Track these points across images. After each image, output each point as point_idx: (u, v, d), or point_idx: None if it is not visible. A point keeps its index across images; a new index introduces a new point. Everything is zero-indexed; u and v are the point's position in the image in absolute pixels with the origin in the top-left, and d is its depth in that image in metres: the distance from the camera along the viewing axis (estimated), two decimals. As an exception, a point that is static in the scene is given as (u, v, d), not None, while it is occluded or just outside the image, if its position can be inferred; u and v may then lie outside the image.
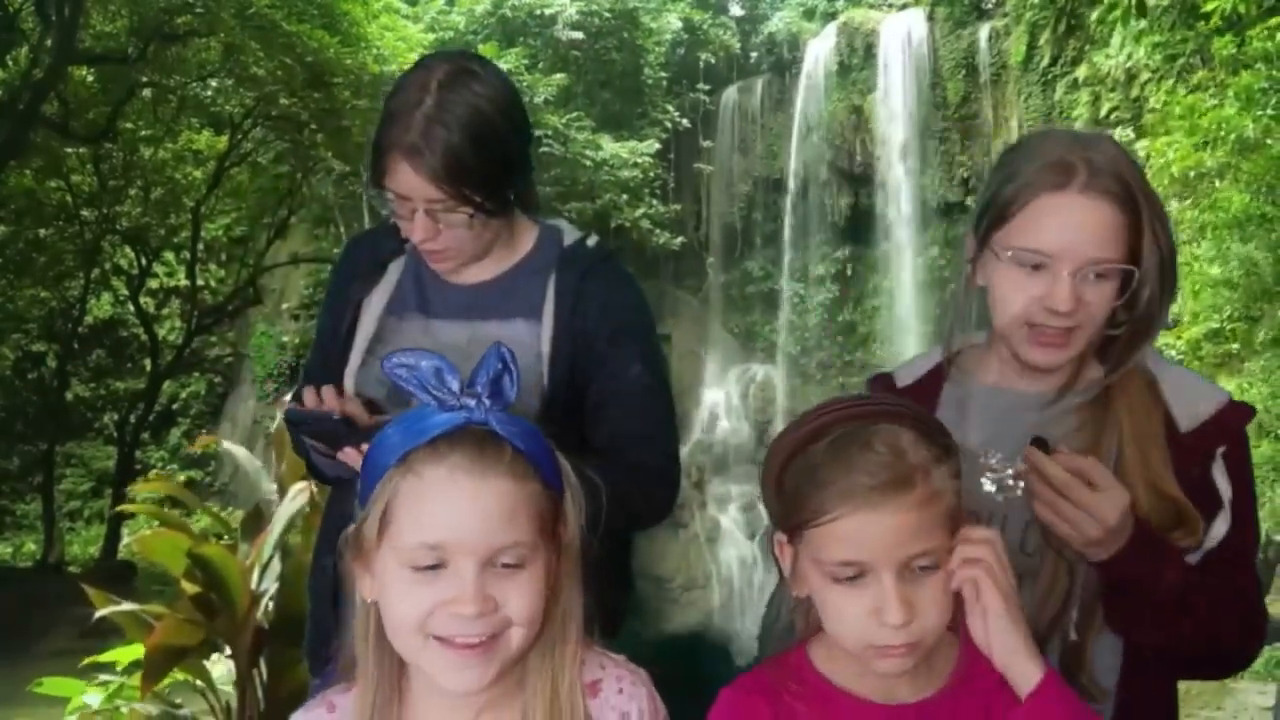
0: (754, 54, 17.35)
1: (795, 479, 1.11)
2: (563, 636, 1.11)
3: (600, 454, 1.60)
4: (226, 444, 5.00)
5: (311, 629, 1.75)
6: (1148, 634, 1.29)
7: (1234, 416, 1.33)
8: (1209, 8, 6.92)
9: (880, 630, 1.07)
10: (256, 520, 3.99)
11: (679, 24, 16.16)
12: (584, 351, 1.65)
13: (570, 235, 1.74)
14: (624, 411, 1.65)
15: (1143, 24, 8.35)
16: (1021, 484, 1.25)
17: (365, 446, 1.48)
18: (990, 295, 1.35)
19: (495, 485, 1.04)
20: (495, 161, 1.57)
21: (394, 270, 1.74)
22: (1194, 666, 1.36)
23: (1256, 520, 1.34)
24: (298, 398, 1.61)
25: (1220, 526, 1.29)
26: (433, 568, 1.03)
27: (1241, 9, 6.78)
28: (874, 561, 1.06)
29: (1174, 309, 9.91)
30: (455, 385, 1.09)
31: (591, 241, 1.74)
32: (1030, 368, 1.35)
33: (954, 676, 1.15)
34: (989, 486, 1.26)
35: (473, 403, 1.08)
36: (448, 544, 1.03)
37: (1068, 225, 1.27)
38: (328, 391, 1.55)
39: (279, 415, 1.69)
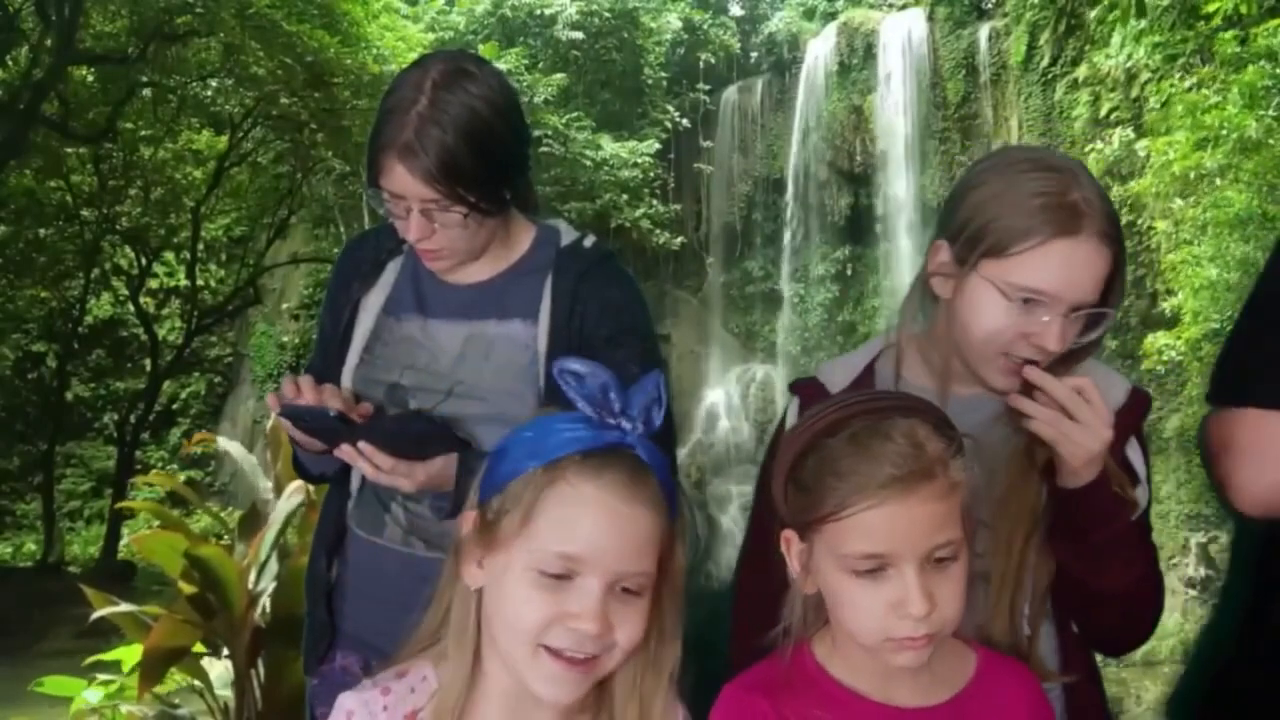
0: (754, 54, 17.36)
1: (813, 473, 1.11)
2: (655, 665, 1.11)
3: None
4: (223, 441, 4.99)
5: (308, 629, 1.74)
6: (1115, 576, 1.33)
7: (1141, 401, 1.40)
8: (1210, 8, 6.92)
9: (901, 622, 1.07)
10: (253, 520, 3.99)
11: (679, 24, 16.17)
12: (581, 352, 1.65)
13: (568, 235, 1.74)
14: None
15: (1143, 24, 8.34)
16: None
17: (363, 444, 1.49)
18: (964, 313, 1.34)
19: (641, 512, 1.06)
20: (490, 162, 1.57)
21: (392, 270, 1.74)
22: (1119, 634, 1.41)
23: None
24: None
25: (1142, 497, 1.35)
26: (559, 577, 1.04)
27: (1243, 9, 6.77)
28: (897, 553, 1.07)
29: (1174, 307, 9.91)
30: (618, 405, 1.10)
31: (589, 242, 1.73)
32: (989, 388, 1.36)
33: (967, 688, 1.15)
34: None
35: (628, 426, 1.09)
36: (585, 559, 1.04)
37: (1074, 270, 1.28)
38: (305, 382, 1.54)
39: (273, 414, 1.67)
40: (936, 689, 1.15)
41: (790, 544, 1.15)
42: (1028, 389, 1.30)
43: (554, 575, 1.04)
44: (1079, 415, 1.24)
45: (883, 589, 1.07)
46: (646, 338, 1.71)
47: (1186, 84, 9.48)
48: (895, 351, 1.47)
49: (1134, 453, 1.37)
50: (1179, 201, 9.30)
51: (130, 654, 3.77)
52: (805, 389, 1.48)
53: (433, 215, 1.56)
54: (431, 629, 1.15)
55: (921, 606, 1.06)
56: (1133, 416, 1.38)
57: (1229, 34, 8.26)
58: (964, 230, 1.33)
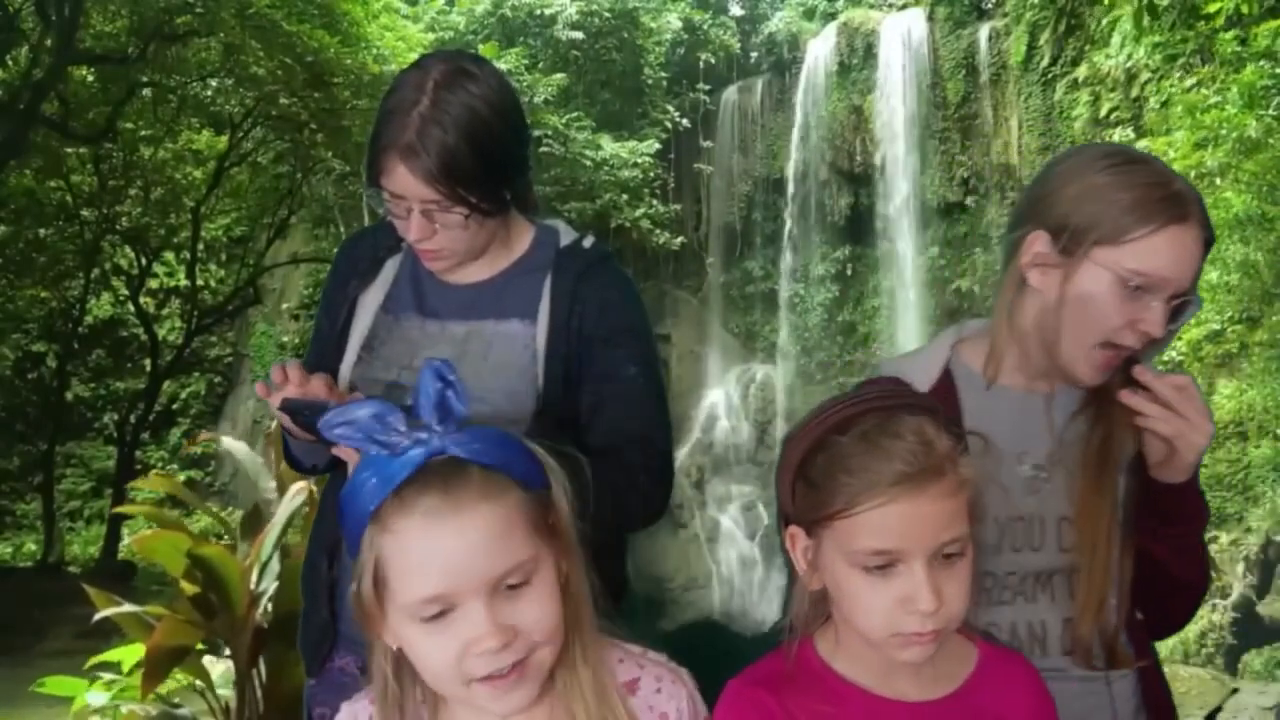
0: (754, 54, 17.36)
1: (823, 470, 1.12)
2: (576, 623, 1.08)
3: (596, 454, 1.59)
4: (226, 440, 4.99)
5: (305, 627, 1.74)
6: (1197, 565, 1.43)
7: None
8: (1212, 9, 6.91)
9: (909, 618, 1.08)
10: (255, 520, 4.00)
11: (679, 24, 16.17)
12: (580, 352, 1.65)
13: (567, 236, 1.74)
14: (620, 412, 1.64)
15: (1145, 24, 8.34)
16: (1045, 488, 1.37)
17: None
18: (1073, 302, 1.35)
19: (472, 517, 1.00)
20: (491, 162, 1.56)
21: (390, 268, 1.74)
22: (1181, 618, 1.51)
23: None
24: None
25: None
26: (442, 614, 1.00)
27: (1244, 9, 6.77)
28: (907, 550, 1.07)
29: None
30: (401, 424, 1.03)
31: (588, 242, 1.73)
32: (1074, 383, 1.39)
33: (969, 681, 1.16)
34: (1030, 495, 1.35)
35: (424, 435, 1.03)
36: (447, 592, 0.99)
37: (1183, 257, 1.32)
38: (294, 370, 1.53)
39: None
40: (939, 683, 1.16)
41: (796, 540, 1.16)
42: (1125, 383, 1.34)
43: (435, 616, 1.00)
44: (1186, 412, 1.29)
45: (892, 585, 1.08)
46: (644, 338, 1.71)
47: (1187, 84, 9.48)
48: (972, 347, 1.48)
49: None
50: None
51: (130, 654, 3.78)
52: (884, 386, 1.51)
53: (433, 216, 1.56)
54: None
55: (931, 602, 1.07)
56: None
57: (1229, 34, 8.26)
58: (1069, 221, 1.34)
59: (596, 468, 1.53)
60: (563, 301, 1.65)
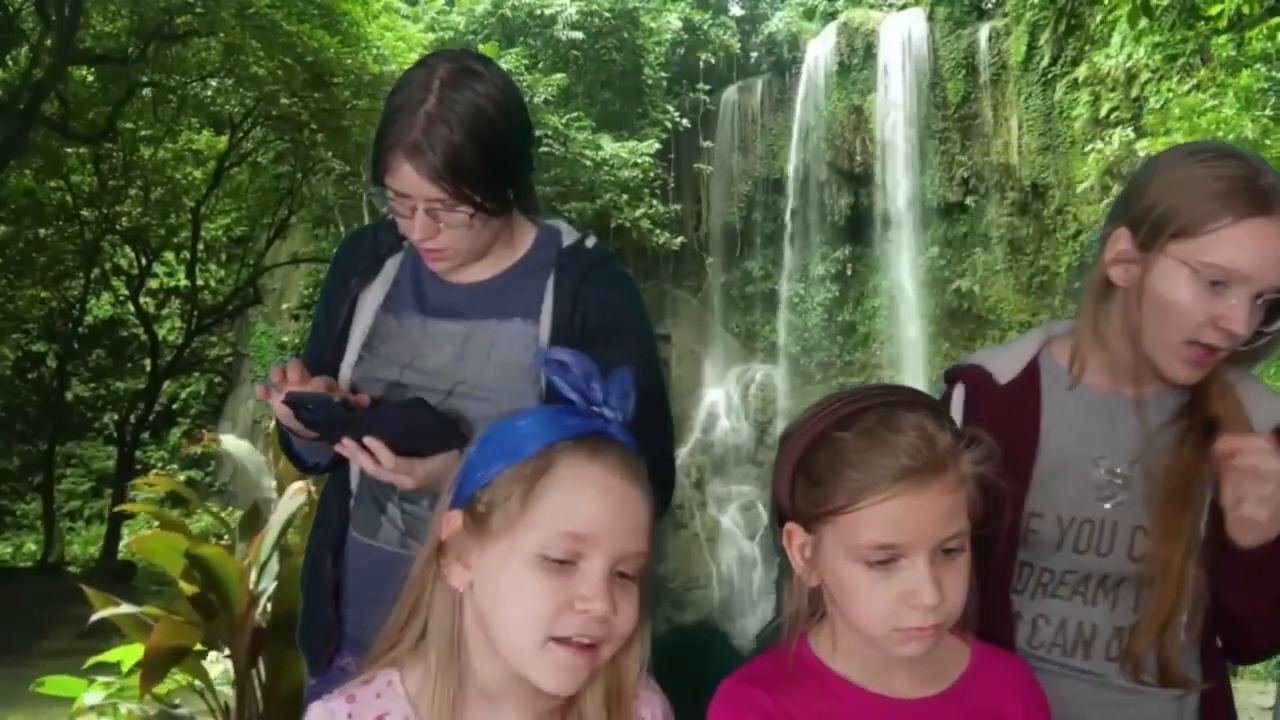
0: (754, 54, 17.36)
1: (825, 466, 1.12)
2: (628, 655, 1.11)
3: None
4: (228, 439, 4.99)
5: (306, 626, 1.73)
6: (1259, 603, 1.34)
7: None
8: (1213, 11, 6.91)
9: (911, 612, 1.08)
10: (254, 520, 3.99)
11: (679, 24, 16.17)
12: (583, 352, 1.65)
13: (569, 236, 1.74)
14: None
15: (1144, 24, 8.33)
16: (1122, 494, 1.33)
17: (370, 440, 1.47)
18: (1150, 298, 1.32)
19: (639, 493, 1.07)
20: (496, 161, 1.56)
21: (391, 267, 1.73)
22: (1259, 648, 1.44)
23: None
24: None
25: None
26: (563, 562, 1.03)
27: (1245, 10, 6.77)
28: (910, 544, 1.08)
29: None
30: (599, 395, 1.11)
31: (590, 242, 1.73)
32: (1168, 382, 1.35)
33: (963, 678, 1.17)
34: (1103, 500, 1.33)
35: (610, 414, 1.11)
36: (591, 537, 1.04)
37: (1265, 250, 1.27)
38: (294, 369, 1.53)
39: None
40: (933, 680, 1.17)
41: (793, 537, 1.16)
42: (1204, 386, 1.32)
43: (558, 560, 1.03)
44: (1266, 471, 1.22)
45: (894, 580, 1.09)
46: (645, 338, 1.72)
47: (1184, 87, 9.48)
48: (1062, 346, 1.46)
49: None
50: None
51: (129, 654, 3.77)
52: (969, 375, 1.47)
53: (438, 215, 1.56)
54: (396, 631, 1.13)
55: (933, 596, 1.07)
56: None
57: (1223, 38, 8.25)
58: (1149, 215, 1.32)
59: None
60: (565, 301, 1.65)
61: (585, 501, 1.05)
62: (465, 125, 1.52)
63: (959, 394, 1.45)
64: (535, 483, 1.05)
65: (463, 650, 1.09)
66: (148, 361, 14.01)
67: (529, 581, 1.03)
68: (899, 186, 15.13)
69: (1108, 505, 1.35)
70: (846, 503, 1.09)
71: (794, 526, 1.16)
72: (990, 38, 14.66)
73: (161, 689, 3.58)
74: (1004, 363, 1.46)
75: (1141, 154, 10.16)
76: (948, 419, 1.15)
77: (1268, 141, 7.89)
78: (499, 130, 1.56)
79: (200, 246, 14.07)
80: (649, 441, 1.65)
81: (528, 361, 1.62)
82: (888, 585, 1.09)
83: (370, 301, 1.71)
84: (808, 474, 1.14)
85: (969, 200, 14.73)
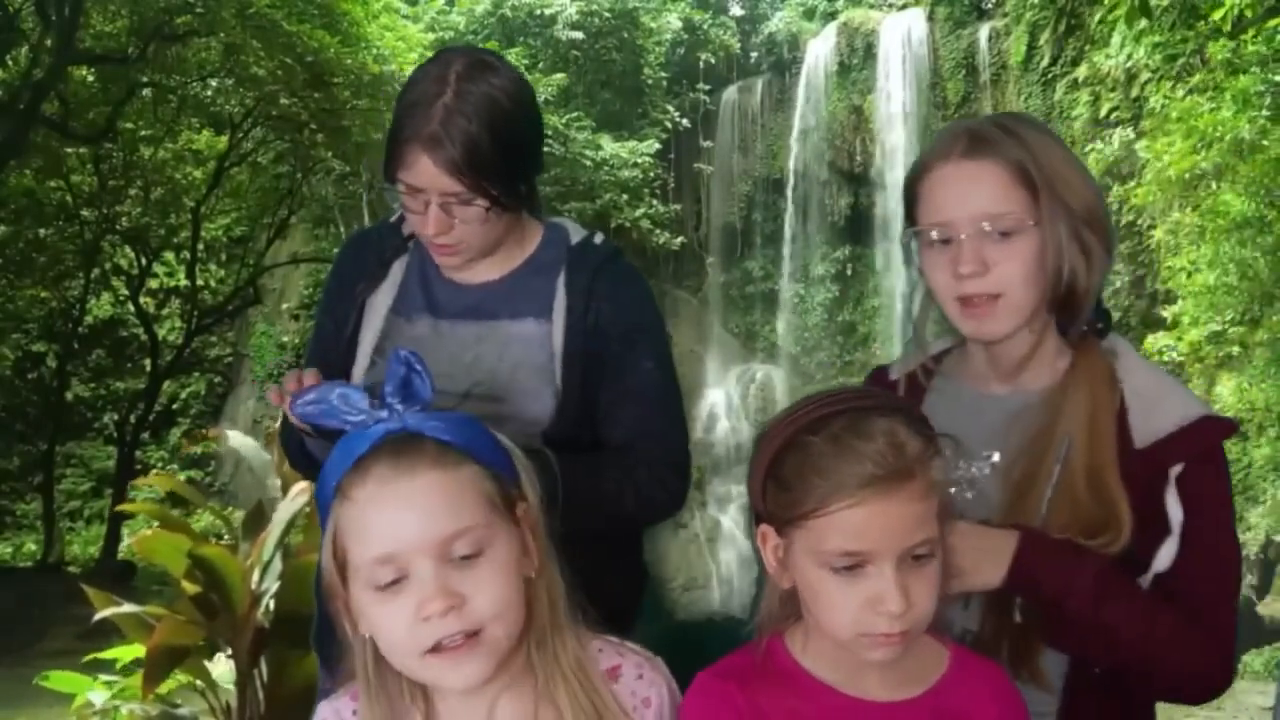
0: (754, 54, 17.36)
1: (794, 470, 1.11)
2: (553, 614, 1.11)
3: (617, 449, 1.62)
4: (233, 435, 4.98)
5: (320, 625, 1.73)
6: (1073, 645, 1.29)
7: (1198, 435, 1.29)
8: (1216, 15, 6.92)
9: (877, 619, 1.08)
10: (257, 519, 4.00)
11: (679, 24, 16.17)
12: (597, 349, 1.65)
13: (576, 234, 1.73)
14: (640, 409, 1.65)
15: (1143, 24, 8.35)
16: (972, 490, 1.28)
17: None
18: (928, 280, 1.37)
19: (422, 481, 1.04)
20: (512, 153, 1.56)
21: (398, 269, 1.72)
22: (1149, 687, 1.33)
23: (1230, 548, 1.30)
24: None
25: (1165, 552, 1.27)
26: (396, 582, 1.03)
27: (1247, 13, 6.78)
28: (876, 551, 1.07)
29: (1173, 311, 9.92)
30: (364, 404, 1.10)
31: (599, 239, 1.73)
32: (975, 340, 1.37)
33: (939, 683, 1.16)
34: (965, 491, 1.28)
35: (385, 414, 1.09)
36: (396, 552, 1.03)
37: (957, 191, 1.30)
38: (311, 376, 1.51)
39: (281, 414, 1.64)
40: (909, 684, 1.16)
41: (766, 539, 1.16)
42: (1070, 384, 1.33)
43: (390, 584, 1.03)
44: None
45: (860, 586, 1.08)
46: (659, 334, 1.73)
47: (1181, 91, 9.50)
48: (959, 351, 1.48)
49: (1172, 498, 1.27)
50: (1177, 212, 9.33)
51: (127, 652, 3.78)
52: (875, 377, 1.52)
53: (452, 209, 1.55)
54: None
55: (899, 604, 1.07)
56: (1179, 452, 1.28)
57: (1220, 42, 8.27)
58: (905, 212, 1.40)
59: (619, 463, 1.56)
60: (579, 299, 1.64)
61: (371, 525, 1.04)
62: (482, 117, 1.52)
63: None
64: (336, 528, 1.07)
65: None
66: (148, 361, 14.00)
67: (377, 610, 1.05)
68: (899, 186, 15.10)
69: (968, 495, 1.31)
70: (813, 508, 1.09)
71: (767, 529, 1.16)
72: (990, 38, 14.66)
73: (163, 688, 3.59)
74: (905, 363, 1.49)
75: (1141, 155, 10.18)
76: (921, 424, 1.13)
77: (1265, 142, 7.90)
78: (515, 123, 1.56)
79: (200, 246, 14.06)
80: (667, 437, 1.66)
81: (541, 362, 1.62)
82: (854, 591, 1.08)
83: (379, 305, 1.70)
84: (777, 478, 1.13)
85: (969, 200, 14.72)
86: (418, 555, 1.02)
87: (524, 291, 1.67)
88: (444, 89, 1.52)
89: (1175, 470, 1.27)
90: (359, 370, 1.68)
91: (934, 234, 1.32)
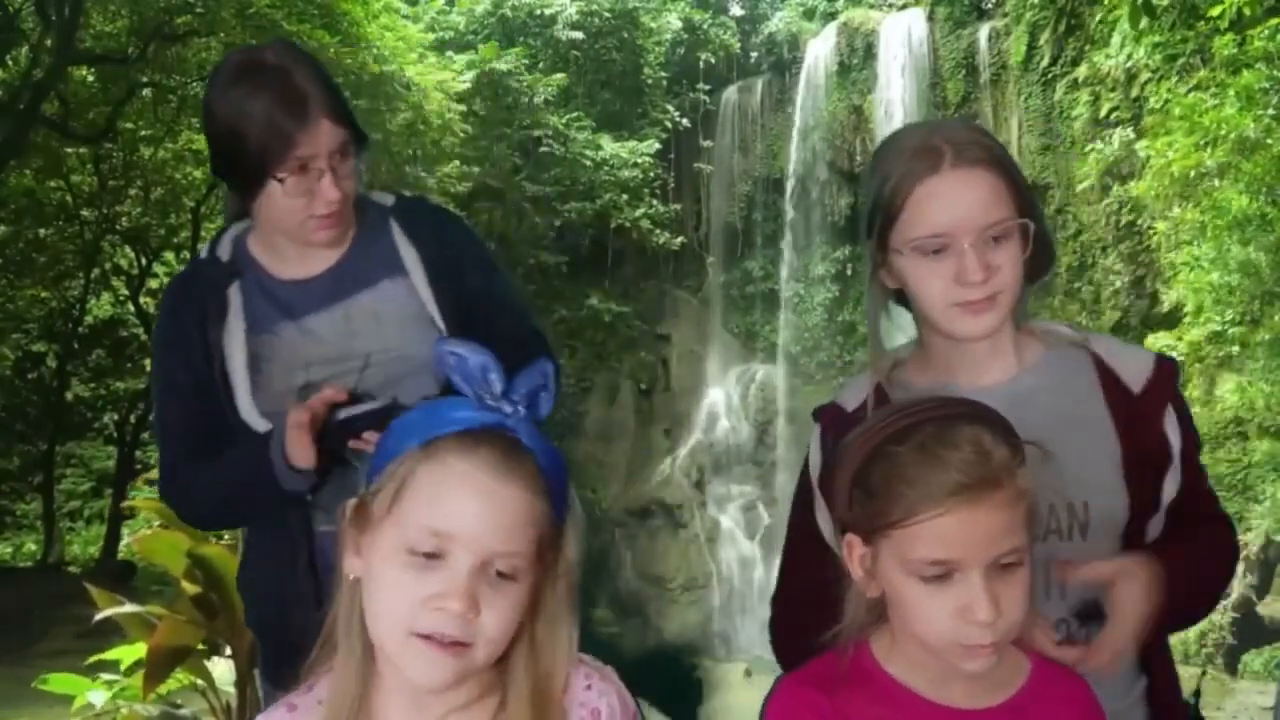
0: (754, 54, 17.37)
1: (881, 480, 1.12)
2: (552, 657, 1.11)
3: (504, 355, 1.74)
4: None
5: (279, 647, 1.71)
6: (1186, 624, 1.41)
7: (1169, 369, 1.41)
8: (1214, 12, 6.92)
9: (968, 629, 1.08)
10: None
11: (679, 24, 16.17)
12: (458, 280, 1.76)
13: (383, 197, 1.83)
14: (509, 317, 1.81)
15: (1144, 24, 8.35)
16: None
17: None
18: (910, 292, 1.39)
19: (514, 491, 1.04)
20: (344, 98, 1.68)
21: (235, 294, 1.73)
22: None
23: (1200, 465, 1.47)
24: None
25: (1170, 483, 1.37)
26: (430, 556, 1.02)
27: (1246, 10, 6.78)
28: (965, 560, 1.08)
29: (1173, 299, 9.92)
30: (498, 387, 1.09)
31: (407, 194, 1.88)
32: (966, 339, 1.39)
33: (1021, 692, 1.17)
34: None
35: (509, 408, 1.09)
36: (454, 534, 1.02)
37: (953, 202, 1.32)
38: (338, 393, 1.59)
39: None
40: (992, 691, 1.16)
41: (853, 548, 1.16)
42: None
43: (424, 554, 1.02)
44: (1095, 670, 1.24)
45: (949, 594, 1.09)
46: (489, 252, 1.91)
47: (1184, 88, 9.49)
48: (917, 363, 1.50)
49: (1171, 427, 1.38)
50: (1178, 209, 9.32)
51: (130, 653, 3.77)
52: (826, 413, 1.51)
53: (338, 169, 1.63)
54: (329, 634, 1.13)
55: (988, 612, 1.07)
56: (1165, 387, 1.40)
57: (1225, 38, 8.26)
58: (868, 220, 1.42)
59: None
60: (429, 246, 1.75)
61: (451, 498, 1.03)
62: (320, 71, 1.64)
63: (816, 433, 1.49)
64: (407, 476, 1.05)
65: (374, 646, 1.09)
66: (148, 361, 13.99)
67: (394, 575, 1.04)
68: (899, 186, 15.12)
69: None
70: (901, 518, 1.09)
71: (853, 538, 1.16)
72: (990, 38, 14.66)
73: (164, 688, 3.58)
74: (852, 392, 1.50)
75: (1142, 154, 10.18)
76: (1007, 432, 1.13)
77: (1269, 140, 7.89)
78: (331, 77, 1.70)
79: (200, 246, 14.06)
80: (537, 334, 1.81)
81: (414, 310, 1.71)
82: (943, 599, 1.09)
83: (234, 333, 1.70)
84: (864, 487, 1.14)
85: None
86: (467, 551, 1.02)
87: (364, 261, 1.74)
88: (274, 71, 1.60)
89: (1168, 403, 1.39)
90: (244, 397, 1.68)
91: (930, 246, 1.33)
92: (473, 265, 1.78)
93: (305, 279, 1.73)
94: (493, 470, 1.04)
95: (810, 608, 1.23)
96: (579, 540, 1.13)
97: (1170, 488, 1.37)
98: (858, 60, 15.68)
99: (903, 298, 1.44)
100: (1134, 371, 1.38)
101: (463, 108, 13.15)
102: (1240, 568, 9.62)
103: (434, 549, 1.02)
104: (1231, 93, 8.15)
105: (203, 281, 1.75)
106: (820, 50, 16.10)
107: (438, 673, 1.04)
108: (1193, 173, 8.55)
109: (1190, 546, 1.35)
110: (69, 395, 14.78)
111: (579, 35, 14.97)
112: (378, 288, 1.72)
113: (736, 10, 17.70)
